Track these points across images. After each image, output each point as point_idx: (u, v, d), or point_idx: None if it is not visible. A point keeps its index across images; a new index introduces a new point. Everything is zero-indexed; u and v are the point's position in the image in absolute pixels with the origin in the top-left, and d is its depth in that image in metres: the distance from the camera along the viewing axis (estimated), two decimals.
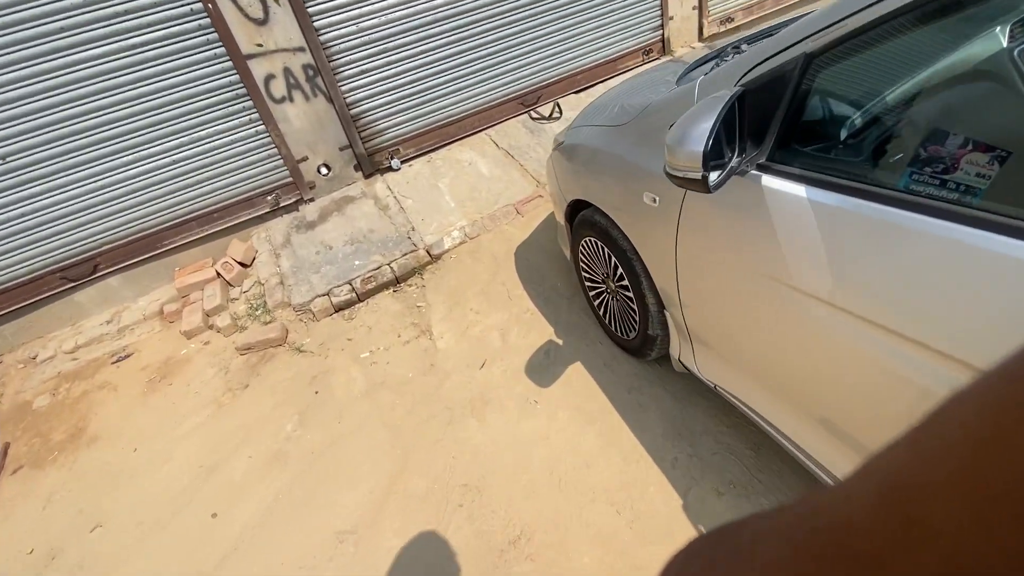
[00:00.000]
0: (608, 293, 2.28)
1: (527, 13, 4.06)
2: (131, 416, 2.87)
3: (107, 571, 2.12)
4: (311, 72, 3.55)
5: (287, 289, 3.37)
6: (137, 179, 3.37)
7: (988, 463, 0.16)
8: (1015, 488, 0.14)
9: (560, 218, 2.50)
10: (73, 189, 3.27)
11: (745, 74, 1.23)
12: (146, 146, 3.31)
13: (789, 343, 1.24)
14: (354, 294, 3.27)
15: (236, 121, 3.48)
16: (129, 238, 3.51)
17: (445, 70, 3.97)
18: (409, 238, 3.54)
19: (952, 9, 0.92)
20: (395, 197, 3.88)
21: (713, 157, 1.11)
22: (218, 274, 3.59)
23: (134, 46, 3.07)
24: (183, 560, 2.07)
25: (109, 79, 3.09)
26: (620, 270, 2.02)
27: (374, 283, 3.31)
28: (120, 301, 3.63)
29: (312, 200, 3.94)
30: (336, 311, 3.25)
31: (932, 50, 1.08)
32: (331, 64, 3.59)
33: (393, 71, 3.80)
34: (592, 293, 2.45)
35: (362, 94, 3.78)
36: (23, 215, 3.22)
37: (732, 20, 5.01)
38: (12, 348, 3.51)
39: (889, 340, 0.98)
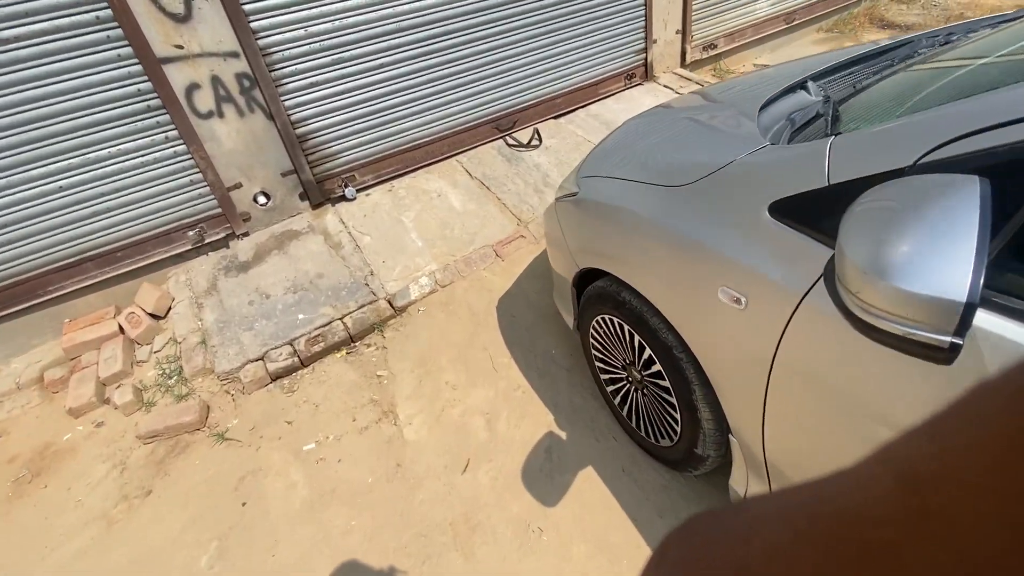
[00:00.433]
0: (631, 383, 1.80)
1: (503, 28, 3.60)
2: None
3: None
4: (247, 83, 2.92)
5: (210, 351, 2.69)
6: (12, 209, 2.61)
7: (1014, 458, 0.15)
8: None
9: (565, 279, 2.01)
10: None
11: (940, 146, 0.79)
12: (24, 167, 2.57)
13: None
14: (296, 358, 2.64)
15: (148, 139, 2.79)
16: (0, 283, 2.72)
17: (410, 86, 3.42)
18: (367, 285, 2.95)
19: None
20: (349, 232, 3.28)
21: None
22: (121, 329, 2.85)
23: (8, 40, 2.35)
24: None
25: None
26: (656, 366, 1.54)
27: (322, 344, 2.69)
28: None
29: (246, 235, 3.27)
30: (273, 380, 2.60)
31: None
32: (272, 74, 2.97)
33: (349, 85, 3.22)
34: (606, 378, 1.97)
35: (310, 110, 3.17)
36: None
37: (715, 47, 4.76)
38: None
39: None
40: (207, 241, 3.12)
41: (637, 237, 1.42)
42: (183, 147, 2.88)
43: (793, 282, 0.99)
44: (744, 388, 1.20)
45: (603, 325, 1.79)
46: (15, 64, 2.39)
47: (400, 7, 3.20)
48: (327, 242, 3.22)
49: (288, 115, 3.10)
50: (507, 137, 3.92)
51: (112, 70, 2.58)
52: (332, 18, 3.03)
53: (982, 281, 0.60)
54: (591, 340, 1.93)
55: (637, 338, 1.59)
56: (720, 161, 1.23)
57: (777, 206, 1.03)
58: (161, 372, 2.69)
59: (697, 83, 4.49)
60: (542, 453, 2.01)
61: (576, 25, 3.89)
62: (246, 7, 2.79)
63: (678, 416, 1.54)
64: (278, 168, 3.21)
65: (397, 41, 3.26)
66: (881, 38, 3.23)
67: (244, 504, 2.05)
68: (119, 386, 2.63)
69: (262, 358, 2.65)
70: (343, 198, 3.48)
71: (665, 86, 4.46)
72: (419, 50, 3.35)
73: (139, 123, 2.73)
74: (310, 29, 2.99)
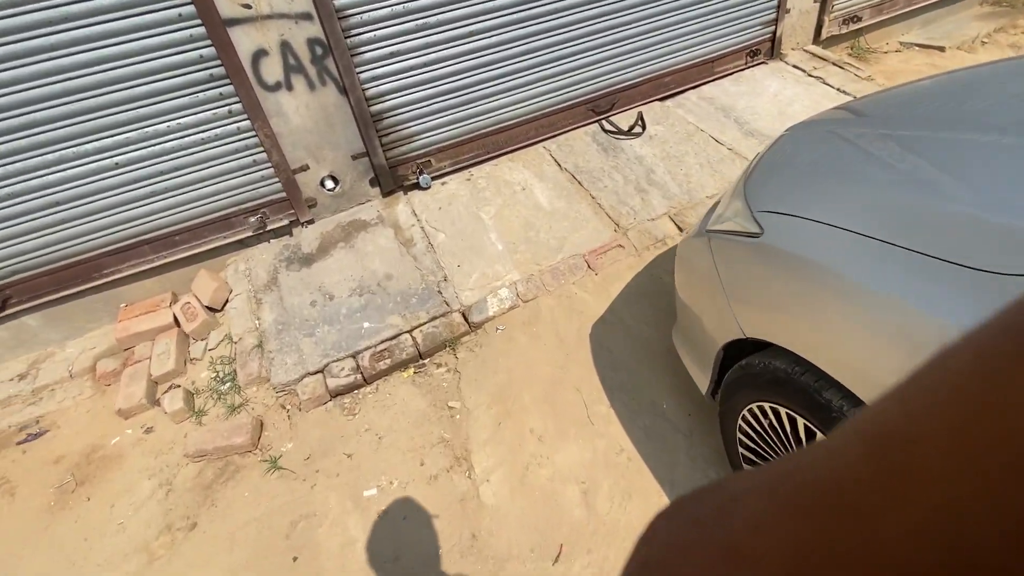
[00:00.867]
0: None
1: None
2: (18, 550, 1.94)
3: None
4: (319, 50, 2.53)
5: (267, 357, 2.41)
6: (66, 186, 2.38)
7: (980, 415, 0.16)
8: (1008, 438, 0.14)
9: (712, 339, 1.52)
10: None
11: None
12: (77, 141, 2.31)
13: None
14: (359, 375, 2.32)
15: (209, 112, 2.47)
16: (54, 264, 2.53)
17: (500, 59, 2.94)
18: (439, 292, 2.57)
19: None
20: (422, 227, 2.90)
21: None
22: (176, 321, 2.63)
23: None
24: None
25: (22, 39, 2.07)
26: None
27: (388, 360, 2.35)
28: (41, 346, 2.67)
29: (311, 223, 2.95)
30: (332, 398, 2.30)
31: None
32: (348, 41, 2.56)
33: (433, 55, 2.78)
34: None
35: (388, 84, 2.76)
36: None
37: (859, 19, 3.95)
38: None
39: None
40: (269, 228, 2.83)
41: (893, 340, 0.92)
42: (247, 123, 2.55)
43: None
44: None
45: (767, 416, 1.32)
46: (64, 23, 2.09)
47: None
48: (398, 237, 2.85)
49: (363, 89, 2.70)
50: (604, 121, 3.39)
51: (171, 32, 2.25)
52: None
53: None
54: (740, 428, 1.46)
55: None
56: None
57: None
58: (215, 375, 2.45)
59: (834, 63, 3.75)
60: None
61: None
62: None
63: None
64: (349, 150, 2.84)
65: (490, 4, 2.77)
66: None
67: (295, 559, 1.76)
68: (171, 387, 2.41)
69: (322, 371, 2.34)
70: (416, 186, 3.09)
71: (794, 66, 3.74)
72: (513, 16, 2.85)
73: (200, 94, 2.41)
74: None
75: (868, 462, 0.18)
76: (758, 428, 1.39)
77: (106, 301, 2.71)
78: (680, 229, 2.76)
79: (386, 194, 3.07)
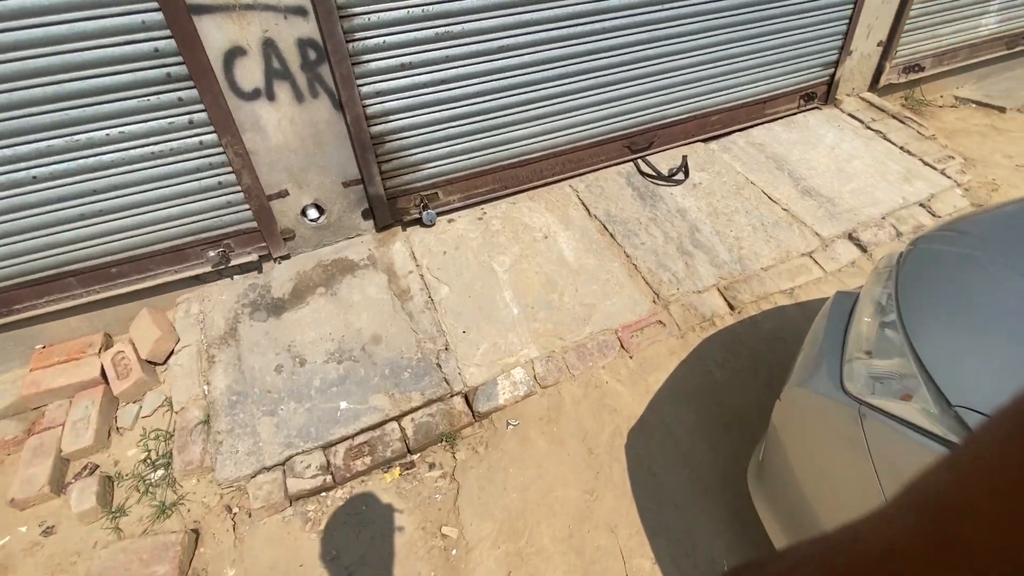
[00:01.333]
0: None
1: (659, 16, 2.55)
2: None
3: None
4: (312, 54, 2.01)
5: (213, 440, 1.89)
6: None
7: (1017, 488, 0.16)
8: None
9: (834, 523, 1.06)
10: None
11: None
12: None
13: None
14: (329, 475, 1.82)
15: (164, 120, 1.94)
16: None
17: (528, 83, 2.45)
18: (438, 366, 2.09)
19: None
20: (422, 275, 2.40)
21: None
22: (103, 375, 2.09)
23: None
24: None
25: None
26: None
27: (368, 458, 1.86)
28: None
29: (286, 258, 2.43)
30: (292, 503, 1.80)
31: None
32: (350, 46, 2.05)
33: (451, 71, 2.28)
34: None
35: (395, 102, 2.25)
36: None
37: (920, 68, 3.57)
38: None
39: None
40: (233, 264, 2.30)
41: None
42: (212, 136, 2.02)
43: None
44: None
45: None
46: None
47: None
48: (391, 286, 2.35)
49: (364, 106, 2.20)
50: (640, 161, 2.93)
51: (117, 16, 1.71)
52: None
53: None
54: None
55: None
56: None
57: None
58: (145, 456, 1.92)
59: (893, 116, 3.36)
60: None
61: (755, 21, 2.81)
62: None
63: None
64: (340, 175, 2.33)
65: (528, 16, 2.28)
66: None
67: None
68: (86, 469, 1.88)
69: (282, 466, 1.84)
70: (418, 222, 2.59)
71: (850, 115, 3.34)
72: (551, 33, 2.37)
73: (153, 98, 1.88)
74: None
75: (918, 531, 0.19)
76: None
77: (18, 340, 2.16)
78: (731, 307, 2.32)
79: (381, 229, 2.56)
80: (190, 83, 1.89)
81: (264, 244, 2.33)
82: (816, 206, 2.72)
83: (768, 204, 2.73)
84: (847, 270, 2.49)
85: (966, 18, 3.61)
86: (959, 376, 0.91)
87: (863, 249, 2.57)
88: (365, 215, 2.49)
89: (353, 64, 2.09)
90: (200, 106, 1.95)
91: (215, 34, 1.86)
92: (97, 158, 1.89)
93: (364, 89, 2.16)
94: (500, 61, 2.34)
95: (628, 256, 2.49)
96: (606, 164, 2.89)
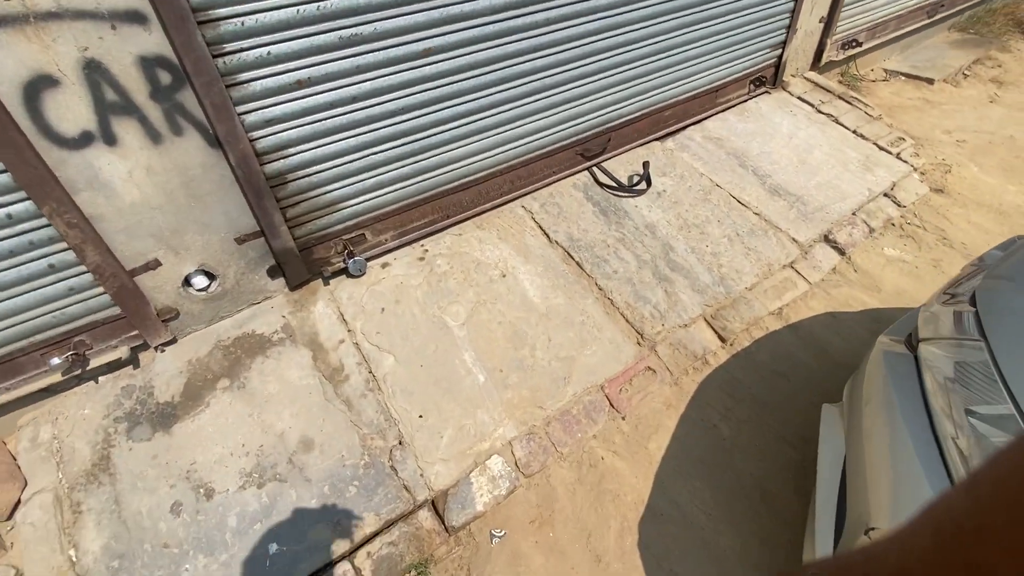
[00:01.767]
0: None
1: (606, 1, 2.17)
2: None
3: None
4: (165, 77, 1.43)
5: None
6: None
7: None
8: None
9: None
10: None
11: None
12: None
13: None
14: None
15: None
16: None
17: (463, 92, 1.99)
18: (393, 470, 1.65)
19: None
20: (356, 344, 1.91)
21: None
22: None
23: None
24: None
25: None
26: None
27: None
28: None
29: (172, 343, 1.85)
30: None
31: None
32: (220, 62, 1.49)
33: (363, 86, 1.76)
34: None
35: (293, 131, 1.71)
36: None
37: (858, 44, 3.46)
38: None
39: None
40: (93, 365, 1.69)
41: None
42: (25, 205, 1.40)
43: None
44: None
45: None
46: None
47: None
48: (318, 364, 1.85)
49: (251, 140, 1.64)
50: (596, 169, 2.57)
51: None
52: None
53: None
54: None
55: None
56: None
57: None
58: None
59: (839, 96, 3.22)
60: None
61: (705, 3, 2.49)
62: None
63: None
64: (231, 229, 1.77)
65: (453, 10, 1.80)
66: None
67: None
68: None
69: None
70: (344, 272, 2.08)
71: (799, 98, 3.17)
72: (484, 29, 1.90)
73: None
74: None
75: (935, 555, 0.19)
76: None
77: None
78: (722, 339, 2.04)
79: (296, 287, 2.03)
80: None
81: (136, 332, 1.74)
82: (787, 207, 2.51)
83: (739, 209, 2.47)
84: (830, 279, 2.30)
85: None
86: None
87: (841, 252, 2.39)
88: (272, 273, 1.95)
89: (228, 87, 1.52)
90: None
91: (2, 59, 1.24)
92: None
93: (249, 118, 1.60)
94: (426, 68, 1.85)
95: (601, 289, 2.14)
96: (559, 176, 2.51)
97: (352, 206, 1.98)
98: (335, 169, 1.86)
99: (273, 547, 1.49)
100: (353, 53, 1.68)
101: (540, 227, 2.34)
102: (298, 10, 1.52)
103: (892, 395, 1.15)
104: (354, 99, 1.76)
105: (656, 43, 2.45)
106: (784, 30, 2.98)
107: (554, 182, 2.50)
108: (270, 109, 1.62)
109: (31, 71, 1.28)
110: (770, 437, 1.79)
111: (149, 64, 1.40)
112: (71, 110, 1.36)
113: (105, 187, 1.49)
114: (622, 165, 2.62)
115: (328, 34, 1.61)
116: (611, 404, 1.86)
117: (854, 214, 2.53)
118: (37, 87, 1.30)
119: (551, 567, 1.51)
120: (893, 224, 2.56)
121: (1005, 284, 1.16)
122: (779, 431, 1.80)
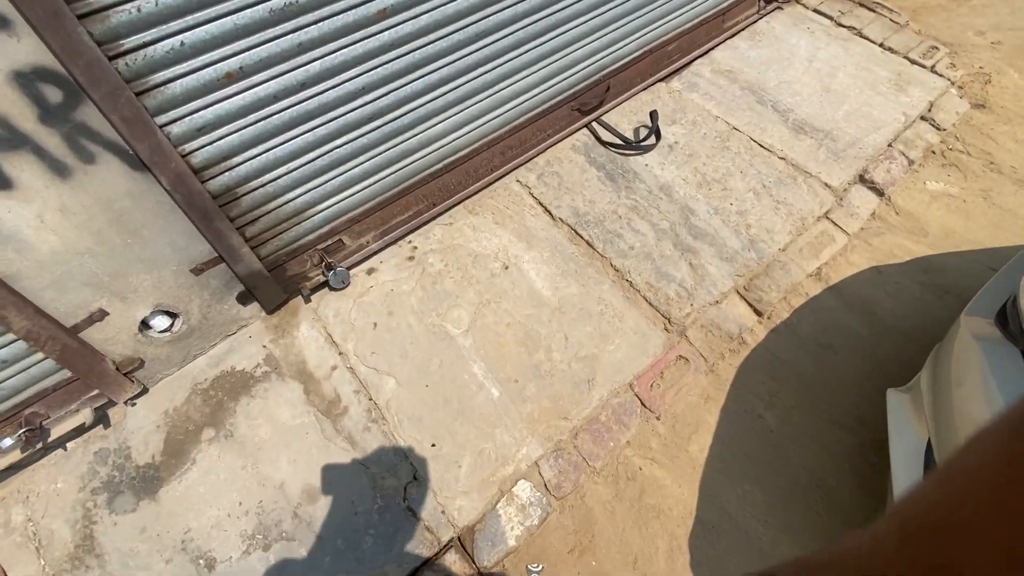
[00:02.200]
0: None
1: None
2: None
3: None
4: (55, 94, 1.12)
5: None
6: None
7: (1014, 502, 0.15)
8: None
9: None
10: None
11: None
12: None
13: None
14: None
15: None
16: None
17: (434, 57, 1.64)
18: (410, 511, 1.48)
19: None
20: (351, 367, 1.69)
21: None
22: None
23: None
24: None
25: None
26: None
27: None
28: None
29: (143, 394, 1.63)
30: None
31: None
32: (119, 63, 1.16)
33: (311, 67, 1.43)
34: None
35: (231, 136, 1.40)
36: None
37: None
38: None
39: None
40: (55, 436, 1.48)
41: None
42: None
43: None
44: None
45: None
46: None
47: None
48: (311, 398, 1.64)
49: (183, 154, 1.33)
50: (597, 124, 2.24)
51: None
52: None
53: None
54: None
55: None
56: None
57: None
58: None
59: (860, 3, 2.82)
60: None
61: None
62: None
63: None
64: (183, 260, 1.50)
65: None
66: None
67: None
68: None
69: None
70: (326, 286, 1.83)
71: (815, 9, 2.77)
72: None
73: None
74: None
75: (902, 556, 0.18)
76: None
77: None
78: (759, 313, 1.83)
79: (273, 310, 1.78)
80: None
81: (96, 392, 1.52)
82: (815, 145, 2.21)
83: (763, 156, 2.18)
84: (871, 227, 2.05)
85: None
86: None
87: (880, 193, 2.12)
88: (243, 299, 1.70)
89: (139, 94, 1.20)
90: None
91: None
92: None
93: (174, 129, 1.29)
94: (384, 34, 1.50)
95: (617, 270, 1.90)
96: (555, 138, 2.19)
97: (321, 211, 1.69)
98: (293, 173, 1.56)
99: None
100: (292, 28, 1.34)
101: (540, 203, 2.05)
102: None
103: (992, 384, 0.95)
104: (302, 86, 1.43)
105: None
106: None
107: (550, 146, 2.19)
108: (199, 114, 1.31)
109: None
110: (822, 422, 1.61)
111: (27, 80, 1.08)
112: None
113: (12, 239, 1.21)
114: (625, 116, 2.29)
115: (256, 7, 1.27)
116: (643, 404, 1.67)
117: (890, 145, 2.23)
118: None
119: None
120: (934, 152, 2.27)
121: None
122: (831, 414, 1.63)
